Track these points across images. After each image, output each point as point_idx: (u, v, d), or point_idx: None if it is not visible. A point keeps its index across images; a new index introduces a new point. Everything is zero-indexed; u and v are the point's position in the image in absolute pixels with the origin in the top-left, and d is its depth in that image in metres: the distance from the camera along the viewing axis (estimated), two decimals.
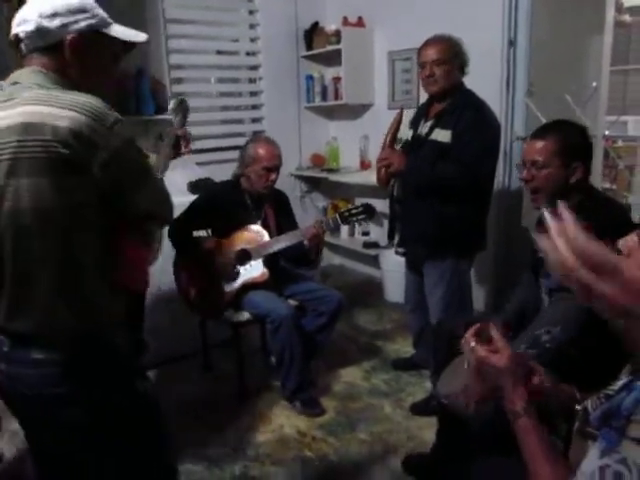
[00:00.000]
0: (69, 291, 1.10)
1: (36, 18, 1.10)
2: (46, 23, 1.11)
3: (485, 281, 3.43)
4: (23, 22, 1.12)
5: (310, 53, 4.21)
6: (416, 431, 2.38)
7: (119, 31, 1.22)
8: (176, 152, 1.75)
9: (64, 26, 1.12)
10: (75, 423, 1.14)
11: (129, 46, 1.26)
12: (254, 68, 4.20)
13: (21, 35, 1.12)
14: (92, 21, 1.16)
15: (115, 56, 1.25)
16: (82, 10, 1.14)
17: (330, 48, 3.99)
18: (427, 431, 2.30)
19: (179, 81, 3.81)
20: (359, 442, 2.34)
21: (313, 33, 4.17)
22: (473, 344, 1.12)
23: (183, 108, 1.89)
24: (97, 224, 1.11)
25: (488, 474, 1.39)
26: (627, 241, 0.96)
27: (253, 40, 4.13)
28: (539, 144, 1.76)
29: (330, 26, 4.01)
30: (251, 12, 4.08)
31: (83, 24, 1.14)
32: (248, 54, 4.20)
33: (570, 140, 1.72)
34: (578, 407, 1.09)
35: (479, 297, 3.37)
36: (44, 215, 1.04)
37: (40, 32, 1.11)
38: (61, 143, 1.01)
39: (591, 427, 0.88)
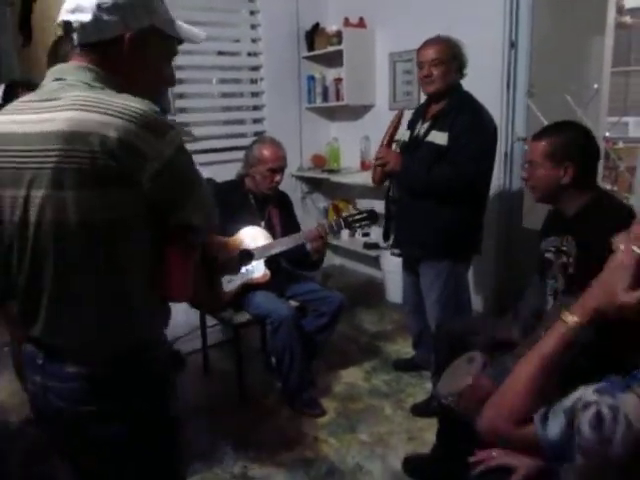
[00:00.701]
0: (113, 306, 1.04)
1: (94, 8, 1.00)
2: (105, 16, 1.00)
3: (486, 283, 3.42)
4: (78, 10, 1.01)
5: (311, 54, 4.21)
6: (417, 432, 2.38)
7: (183, 30, 1.14)
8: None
9: (124, 22, 1.02)
10: (107, 439, 1.10)
11: (180, 42, 1.17)
12: (255, 69, 4.19)
13: (75, 25, 1.02)
14: (154, 17, 1.07)
15: (171, 55, 1.17)
16: (144, 5, 1.05)
17: (331, 49, 3.99)
18: (428, 432, 2.30)
19: (180, 82, 3.81)
20: (359, 443, 2.34)
21: (314, 34, 4.17)
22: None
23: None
24: (143, 235, 1.04)
25: (489, 475, 1.39)
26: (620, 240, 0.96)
27: (254, 41, 4.12)
28: (536, 145, 1.79)
29: (331, 27, 4.01)
30: (252, 13, 4.07)
31: (145, 21, 1.05)
32: (249, 55, 4.19)
33: (563, 142, 1.73)
34: None
35: (479, 299, 3.37)
36: (90, 229, 0.98)
37: (98, 25, 1.01)
38: (109, 154, 0.93)
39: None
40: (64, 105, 0.97)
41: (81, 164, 0.94)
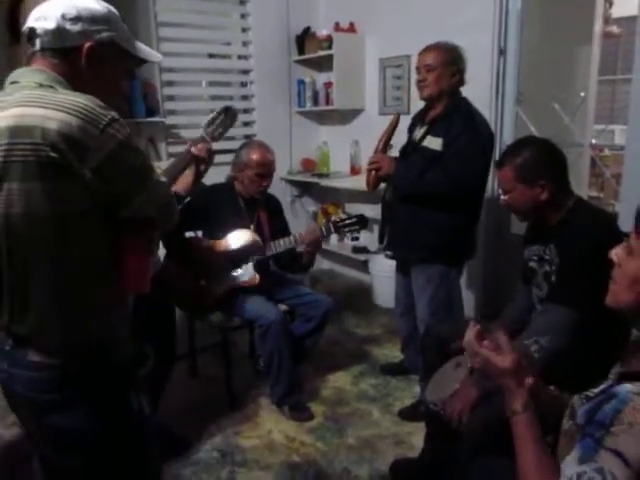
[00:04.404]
0: (64, 298, 1.08)
1: (59, 18, 1.07)
2: (68, 26, 1.08)
3: (475, 287, 3.44)
4: (43, 18, 1.08)
5: (302, 58, 4.22)
6: (404, 436, 2.39)
7: (139, 49, 1.22)
8: (197, 173, 1.79)
9: (85, 33, 1.10)
10: (68, 428, 1.13)
11: (141, 62, 1.26)
12: (246, 72, 4.20)
13: (39, 31, 1.08)
14: (114, 33, 1.14)
15: (128, 71, 1.24)
16: (106, 21, 1.13)
17: (322, 53, 4.01)
18: (415, 436, 2.30)
19: (170, 84, 3.80)
20: (347, 447, 2.34)
21: (305, 38, 4.18)
22: (477, 347, 1.17)
23: (230, 116, 1.83)
24: (94, 229, 1.08)
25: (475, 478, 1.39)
26: (617, 252, 1.03)
27: (245, 44, 4.13)
28: (502, 173, 1.81)
29: (322, 31, 4.03)
30: (243, 16, 4.08)
31: (104, 34, 1.13)
32: (240, 58, 4.20)
33: (528, 162, 1.73)
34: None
35: (469, 303, 3.38)
36: (35, 220, 1.02)
37: (60, 33, 1.08)
38: (50, 146, 0.98)
39: (577, 425, 0.92)
40: (12, 103, 1.03)
41: (26, 157, 0.99)
